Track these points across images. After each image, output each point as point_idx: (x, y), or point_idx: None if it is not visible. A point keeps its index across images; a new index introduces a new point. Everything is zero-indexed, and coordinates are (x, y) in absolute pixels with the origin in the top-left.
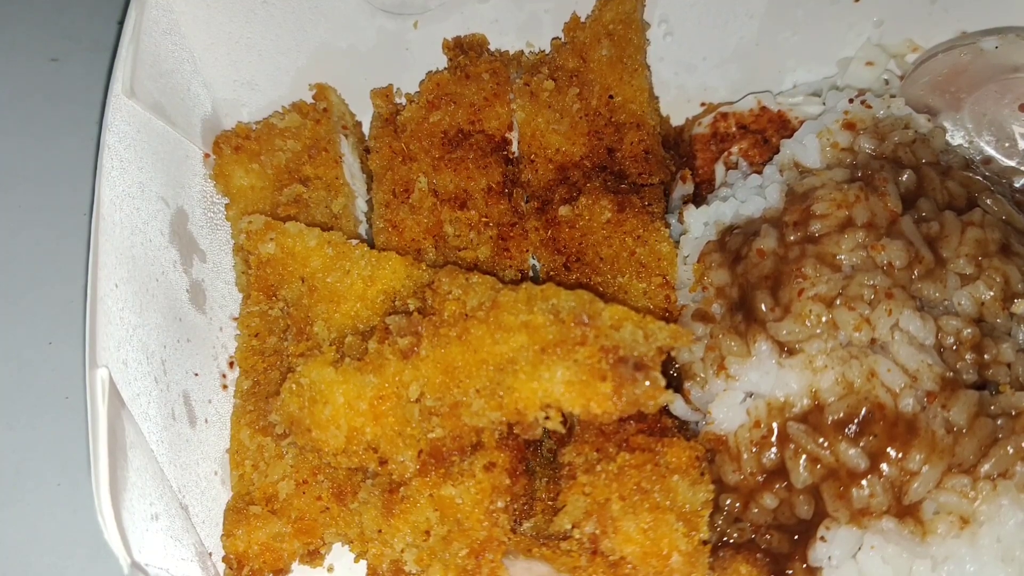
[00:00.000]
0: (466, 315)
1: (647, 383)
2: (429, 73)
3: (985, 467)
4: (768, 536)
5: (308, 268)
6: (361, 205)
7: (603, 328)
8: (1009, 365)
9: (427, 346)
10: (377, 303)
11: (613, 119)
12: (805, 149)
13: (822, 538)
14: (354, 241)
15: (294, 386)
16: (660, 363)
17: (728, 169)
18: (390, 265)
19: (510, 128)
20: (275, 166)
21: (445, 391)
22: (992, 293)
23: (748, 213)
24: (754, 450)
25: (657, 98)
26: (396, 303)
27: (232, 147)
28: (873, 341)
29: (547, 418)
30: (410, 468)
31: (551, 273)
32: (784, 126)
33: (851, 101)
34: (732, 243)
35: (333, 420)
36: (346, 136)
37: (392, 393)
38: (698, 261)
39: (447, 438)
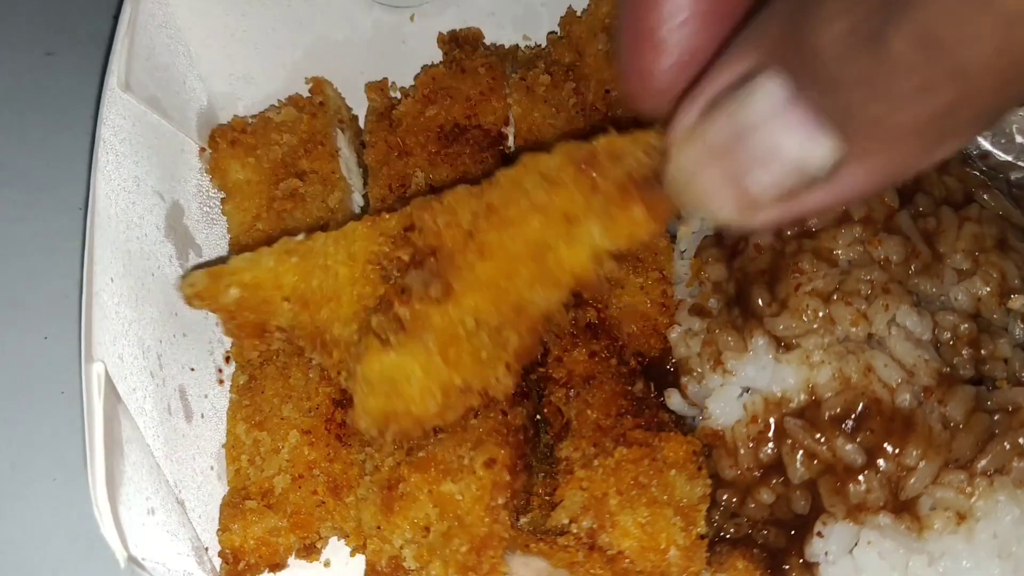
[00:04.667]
0: (469, 232)
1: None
2: (424, 67)
3: (982, 463)
4: (765, 531)
5: (286, 287)
6: (358, 199)
7: (606, 167)
8: (1006, 360)
9: (456, 280)
10: (371, 275)
11: (610, 114)
12: None
13: (819, 533)
14: (299, 236)
15: (366, 387)
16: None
17: None
18: (357, 233)
19: (506, 123)
20: (271, 160)
21: (500, 304)
22: (989, 288)
23: None
24: (751, 445)
25: None
26: (385, 263)
27: (228, 141)
28: (870, 336)
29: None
30: (508, 383)
31: None
32: None
33: None
34: (729, 238)
35: (424, 390)
36: (342, 130)
37: (453, 336)
38: (695, 256)
39: (524, 340)
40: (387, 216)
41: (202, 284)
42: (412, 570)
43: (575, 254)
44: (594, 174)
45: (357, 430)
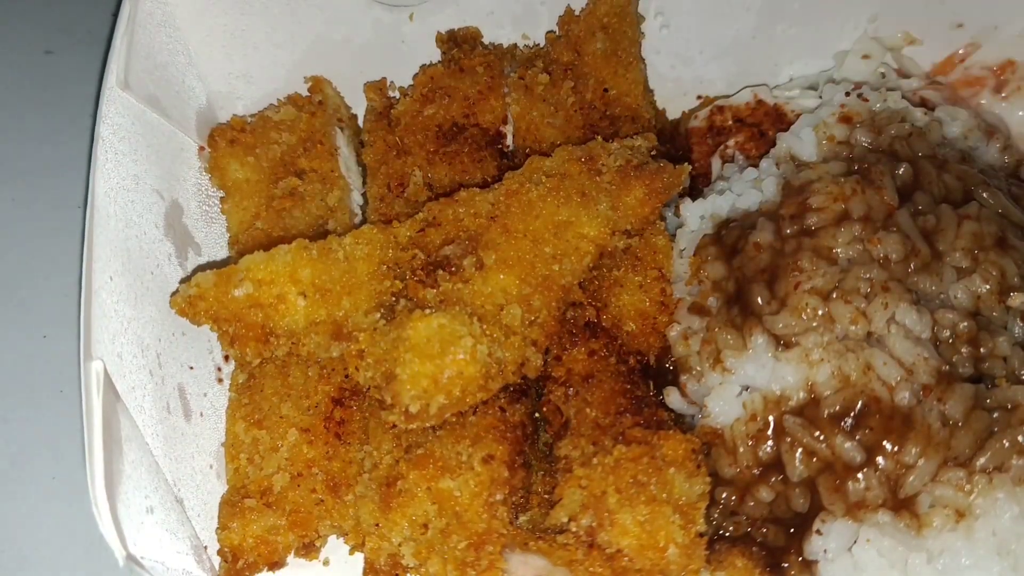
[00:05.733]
0: (492, 218)
1: (666, 172)
2: (423, 66)
3: (981, 461)
4: (764, 529)
5: (303, 281)
6: (357, 198)
7: (604, 160)
8: (1005, 359)
9: (485, 256)
10: (386, 274)
11: (608, 112)
12: (801, 142)
13: (818, 531)
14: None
15: (411, 353)
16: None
17: (724, 162)
18: (372, 236)
19: (504, 122)
20: (270, 159)
21: (528, 278)
22: (988, 287)
23: (744, 206)
24: (750, 443)
25: (652, 91)
26: (400, 264)
27: (227, 140)
28: (869, 334)
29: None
30: (538, 362)
31: None
32: (780, 119)
33: (848, 94)
34: (728, 236)
35: (474, 350)
36: (342, 129)
37: (488, 309)
38: (694, 254)
39: (550, 318)
40: (397, 224)
41: (208, 284)
42: (411, 567)
43: (594, 226)
44: (598, 163)
45: (396, 405)
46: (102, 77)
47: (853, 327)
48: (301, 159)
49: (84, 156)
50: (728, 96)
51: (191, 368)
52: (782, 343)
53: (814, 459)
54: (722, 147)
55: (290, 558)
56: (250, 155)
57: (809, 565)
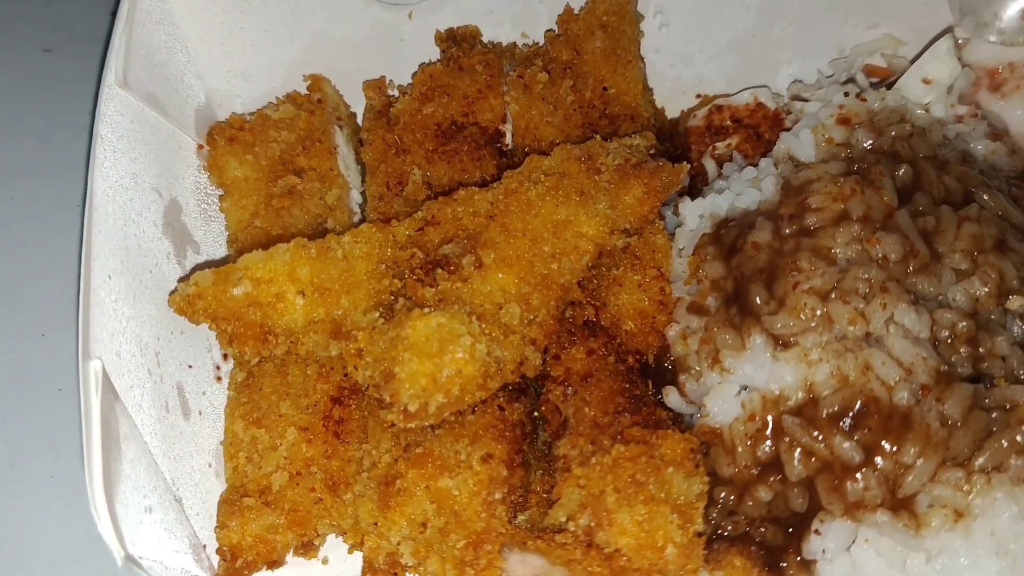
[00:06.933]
0: (491, 216)
1: (664, 171)
2: (422, 65)
3: (979, 460)
4: (762, 529)
5: (302, 280)
6: (356, 197)
7: (603, 159)
8: (1004, 358)
9: (484, 255)
10: (385, 273)
11: (607, 111)
12: (800, 143)
13: (816, 531)
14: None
15: (410, 352)
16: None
17: (717, 163)
18: (371, 234)
19: (504, 120)
20: (269, 157)
21: (527, 277)
22: (987, 289)
23: (744, 206)
24: (749, 443)
25: (651, 90)
26: (399, 263)
27: (226, 138)
28: (868, 335)
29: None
30: (537, 361)
31: None
32: (779, 122)
33: (846, 95)
34: (727, 236)
35: (472, 349)
36: (341, 127)
37: (487, 308)
38: (693, 253)
39: (549, 317)
40: (396, 223)
41: (207, 283)
42: (409, 566)
43: (593, 225)
44: (597, 162)
45: (395, 403)
46: (101, 75)
47: (851, 328)
48: (300, 157)
49: (83, 155)
50: (728, 95)
51: (190, 367)
52: (780, 343)
53: (813, 459)
54: (711, 148)
55: (289, 557)
56: (249, 153)
57: (807, 565)
